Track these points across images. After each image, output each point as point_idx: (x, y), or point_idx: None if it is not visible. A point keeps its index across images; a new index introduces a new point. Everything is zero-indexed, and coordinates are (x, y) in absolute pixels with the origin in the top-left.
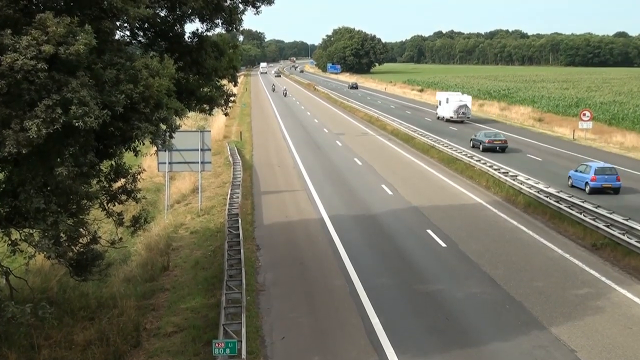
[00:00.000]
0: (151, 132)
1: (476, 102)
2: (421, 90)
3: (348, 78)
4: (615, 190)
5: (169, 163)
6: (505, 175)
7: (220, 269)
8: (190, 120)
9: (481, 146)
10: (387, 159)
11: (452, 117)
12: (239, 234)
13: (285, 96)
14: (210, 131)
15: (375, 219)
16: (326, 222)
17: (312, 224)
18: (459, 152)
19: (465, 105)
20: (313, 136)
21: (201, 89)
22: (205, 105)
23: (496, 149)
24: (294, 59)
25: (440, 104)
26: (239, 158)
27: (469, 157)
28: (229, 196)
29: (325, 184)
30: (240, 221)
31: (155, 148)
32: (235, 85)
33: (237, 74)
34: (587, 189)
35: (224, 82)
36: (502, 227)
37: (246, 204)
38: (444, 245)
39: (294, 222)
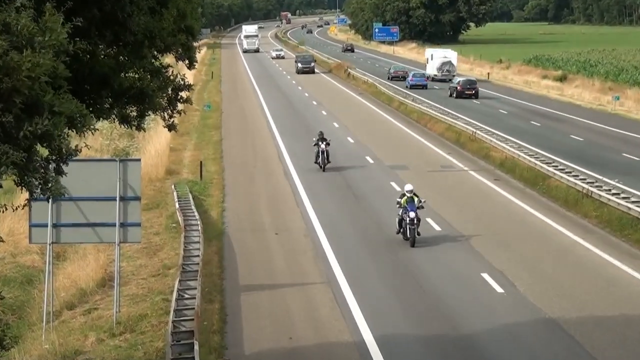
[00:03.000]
0: (15, 162)
1: None
2: (562, 79)
3: (415, 54)
4: (424, 86)
5: (55, 226)
6: None
7: None
8: (100, 136)
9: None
10: (490, 219)
11: (436, 75)
12: None
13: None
14: (139, 160)
15: (471, 346)
16: (371, 351)
17: (342, 355)
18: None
19: (450, 62)
20: (344, 170)
21: (122, 74)
22: (130, 108)
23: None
24: (288, 14)
25: (427, 62)
26: (197, 215)
27: None
28: (175, 295)
29: (367, 271)
30: (197, 348)
31: (26, 196)
32: (190, 67)
33: (195, 45)
34: (409, 85)
35: (168, 59)
36: None
37: (210, 312)
38: None
39: (305, 349)
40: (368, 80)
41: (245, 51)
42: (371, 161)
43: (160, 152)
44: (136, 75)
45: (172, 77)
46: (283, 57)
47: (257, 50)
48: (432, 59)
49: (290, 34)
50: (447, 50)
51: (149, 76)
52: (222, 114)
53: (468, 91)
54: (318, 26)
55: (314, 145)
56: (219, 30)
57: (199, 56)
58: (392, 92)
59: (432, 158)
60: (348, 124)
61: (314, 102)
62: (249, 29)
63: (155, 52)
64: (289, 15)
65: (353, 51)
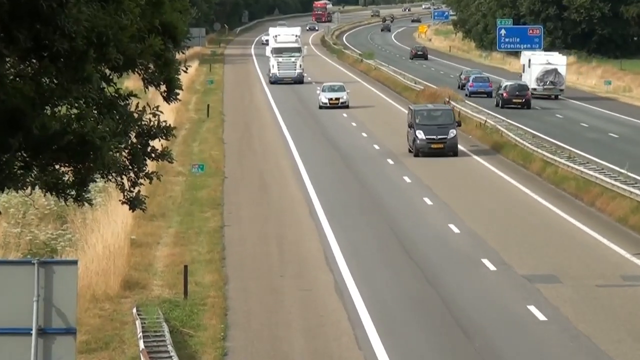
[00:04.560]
0: None
1: None
2: None
3: (575, 75)
4: (489, 94)
5: None
6: None
7: None
8: (5, 219)
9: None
10: None
11: (535, 90)
12: None
13: None
14: (76, 263)
15: None
16: None
17: None
18: None
19: (555, 71)
20: (444, 282)
21: (48, 109)
22: (61, 169)
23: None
24: (328, 5)
25: (523, 71)
26: None
27: None
28: None
29: None
30: None
31: None
32: (170, 96)
33: (179, 57)
34: (468, 92)
35: (131, 83)
36: None
37: None
38: None
39: None
40: (487, 122)
41: (275, 81)
42: (492, 267)
43: (113, 249)
44: (73, 111)
45: (137, 115)
46: (346, 105)
47: (299, 80)
48: (529, 66)
49: (350, 38)
50: (552, 54)
51: (95, 112)
52: (224, 181)
53: (516, 99)
54: (413, 20)
55: None
56: (221, 30)
57: (185, 77)
58: (532, 144)
59: (604, 262)
60: (450, 200)
61: (390, 161)
62: (283, 34)
63: (108, 70)
64: (329, 6)
65: (426, 58)
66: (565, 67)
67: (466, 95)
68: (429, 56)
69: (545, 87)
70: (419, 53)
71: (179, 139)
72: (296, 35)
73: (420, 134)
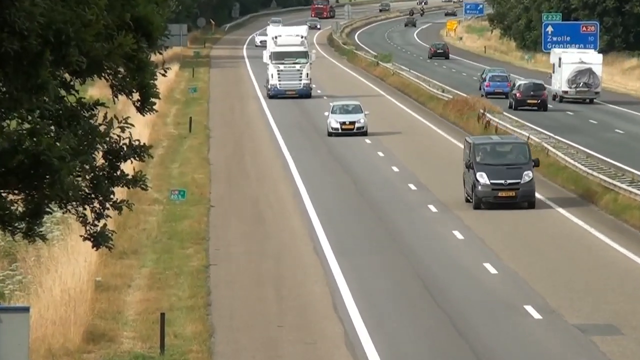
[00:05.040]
0: None
1: None
2: None
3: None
4: (507, 95)
5: None
6: None
7: None
8: None
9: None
10: None
11: (566, 92)
12: None
13: None
14: (27, 310)
15: None
16: None
17: None
18: None
19: (589, 71)
20: (475, 330)
21: None
22: (9, 197)
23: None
24: None
25: (553, 71)
26: None
27: None
28: None
29: None
30: None
31: None
32: (145, 107)
33: (155, 59)
34: (484, 92)
35: (96, 91)
36: None
37: None
38: None
39: None
40: (530, 138)
41: (274, 94)
42: (536, 315)
43: (74, 294)
44: (25, 126)
45: (103, 130)
46: (364, 131)
47: (305, 94)
48: (559, 65)
49: (363, 37)
50: (587, 51)
51: (52, 127)
52: (210, 211)
53: (531, 99)
54: (447, 14)
55: None
56: (206, 27)
57: (162, 84)
58: (586, 166)
59: None
60: (485, 233)
61: (412, 187)
62: (285, 35)
63: (68, 76)
64: None
65: (447, 57)
66: (600, 67)
67: (482, 96)
68: (450, 55)
69: (578, 89)
70: (439, 51)
71: (156, 159)
72: (301, 37)
73: (482, 178)
